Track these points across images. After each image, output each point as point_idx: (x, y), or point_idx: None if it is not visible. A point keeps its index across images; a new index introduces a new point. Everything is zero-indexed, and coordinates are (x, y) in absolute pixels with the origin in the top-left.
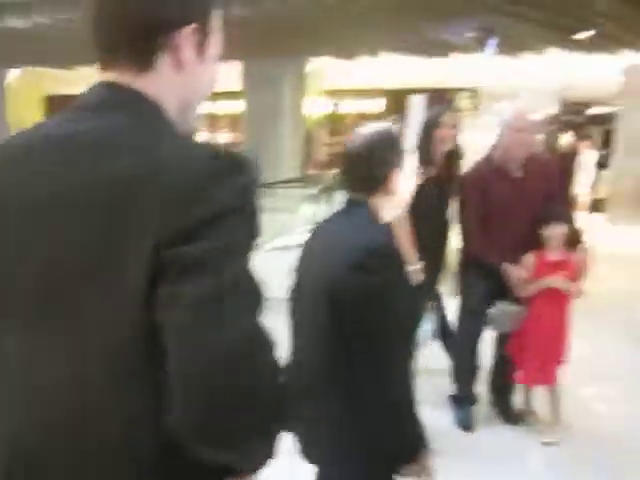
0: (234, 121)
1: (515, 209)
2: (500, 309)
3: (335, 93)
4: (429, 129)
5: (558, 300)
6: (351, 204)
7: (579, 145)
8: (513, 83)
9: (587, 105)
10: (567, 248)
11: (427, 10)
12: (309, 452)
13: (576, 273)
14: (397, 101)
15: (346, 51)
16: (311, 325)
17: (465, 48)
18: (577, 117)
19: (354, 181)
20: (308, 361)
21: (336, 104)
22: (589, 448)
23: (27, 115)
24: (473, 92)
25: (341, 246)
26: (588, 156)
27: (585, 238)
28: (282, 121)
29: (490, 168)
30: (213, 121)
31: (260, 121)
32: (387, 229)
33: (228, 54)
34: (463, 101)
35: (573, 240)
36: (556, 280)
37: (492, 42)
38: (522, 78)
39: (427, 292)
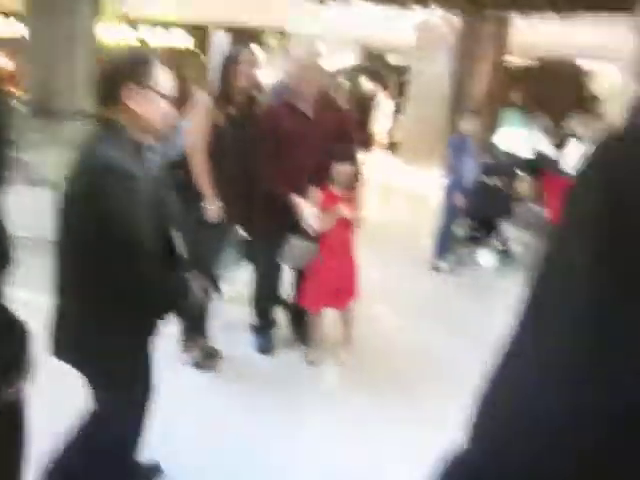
0: (15, 46)
1: (303, 144)
2: (292, 244)
3: (138, 22)
4: (228, 66)
5: (345, 231)
6: (103, 125)
7: (377, 91)
8: (319, 28)
9: (384, 56)
10: (350, 184)
11: None
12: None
13: (356, 205)
14: (204, 37)
15: None
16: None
17: None
18: (376, 66)
19: (99, 100)
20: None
21: (140, 36)
22: (381, 362)
23: None
24: (282, 34)
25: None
26: (385, 103)
27: (363, 174)
28: (74, 48)
29: (280, 103)
30: None
31: (49, 48)
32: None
33: None
34: (271, 41)
35: (355, 177)
36: (344, 210)
37: None
38: (327, 24)
39: (228, 227)
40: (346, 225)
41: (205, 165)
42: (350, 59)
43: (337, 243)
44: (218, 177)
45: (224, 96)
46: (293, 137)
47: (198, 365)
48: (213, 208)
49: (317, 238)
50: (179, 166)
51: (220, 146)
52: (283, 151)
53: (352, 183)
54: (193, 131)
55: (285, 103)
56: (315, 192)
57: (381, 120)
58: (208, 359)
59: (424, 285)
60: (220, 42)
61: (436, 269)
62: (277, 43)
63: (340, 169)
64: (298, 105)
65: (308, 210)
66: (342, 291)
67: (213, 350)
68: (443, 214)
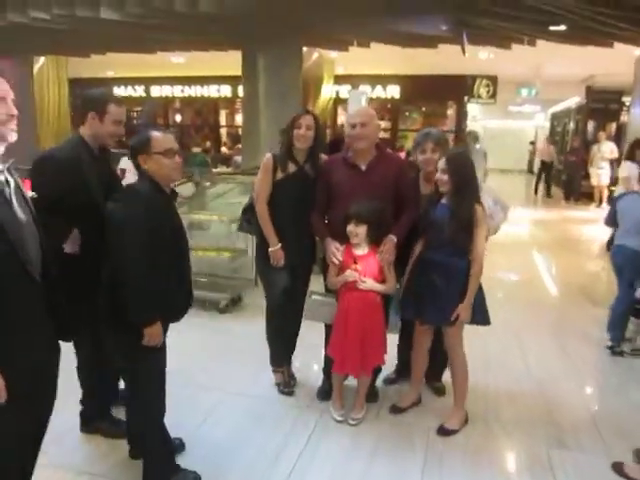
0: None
1: (353, 196)
2: (313, 300)
3: (354, 79)
4: (289, 129)
5: (362, 295)
6: None
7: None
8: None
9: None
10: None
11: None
12: None
13: (374, 269)
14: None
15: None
16: None
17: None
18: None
19: None
20: None
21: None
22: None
23: (52, 97)
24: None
25: None
26: (606, 146)
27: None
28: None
29: (340, 158)
30: None
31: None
32: None
33: None
34: (481, 89)
35: (378, 239)
36: (351, 274)
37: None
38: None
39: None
40: (364, 291)
41: (263, 213)
42: (573, 99)
43: (360, 304)
44: (279, 225)
45: (284, 155)
46: (343, 189)
47: (279, 388)
48: (274, 251)
49: (336, 295)
50: (250, 211)
51: (280, 198)
52: (333, 201)
53: (372, 244)
54: (256, 185)
55: (341, 157)
56: (339, 248)
57: (602, 167)
58: (288, 385)
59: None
60: (356, 98)
61: (617, 352)
62: (486, 91)
63: (350, 229)
64: (351, 158)
65: (333, 246)
66: (366, 359)
67: (293, 377)
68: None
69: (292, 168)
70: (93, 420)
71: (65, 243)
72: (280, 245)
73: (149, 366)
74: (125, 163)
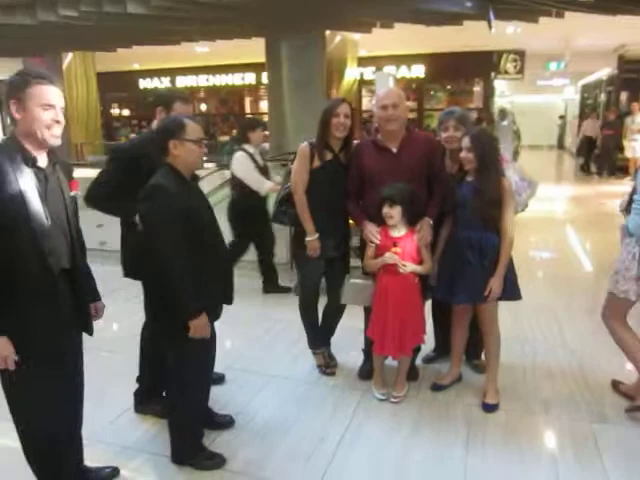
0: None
1: (385, 179)
2: (351, 283)
3: (379, 59)
4: (326, 118)
5: (401, 277)
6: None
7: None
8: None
9: None
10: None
11: None
12: None
13: (412, 251)
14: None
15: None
16: None
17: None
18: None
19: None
20: None
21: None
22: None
23: (81, 92)
24: (518, 54)
25: None
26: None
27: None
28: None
29: (370, 141)
30: None
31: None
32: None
33: None
34: (508, 65)
35: (413, 219)
36: (390, 256)
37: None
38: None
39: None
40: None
41: (302, 202)
42: (604, 70)
43: (399, 286)
44: (315, 214)
45: (321, 143)
46: (374, 172)
47: (320, 369)
48: (311, 241)
49: (374, 277)
50: (286, 201)
51: (317, 186)
52: (367, 186)
53: (409, 225)
54: (293, 174)
55: (371, 140)
56: (375, 230)
57: (636, 139)
58: (329, 366)
59: None
60: (382, 80)
61: None
62: (513, 66)
63: (385, 211)
64: (381, 141)
65: (371, 227)
66: (405, 339)
67: (333, 358)
68: None
69: (328, 156)
70: (149, 400)
71: None
72: (317, 235)
73: (196, 359)
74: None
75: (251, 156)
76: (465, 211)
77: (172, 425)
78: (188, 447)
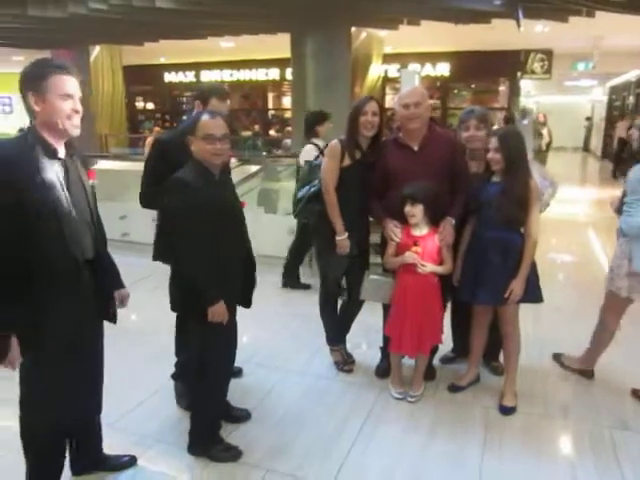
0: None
1: (408, 177)
2: (371, 280)
3: (404, 57)
4: (355, 116)
5: (421, 277)
6: None
7: None
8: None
9: None
10: (434, 223)
11: None
12: None
13: (433, 251)
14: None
15: None
16: None
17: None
18: None
19: None
20: None
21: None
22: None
23: (107, 85)
24: (546, 54)
25: None
26: None
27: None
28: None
29: (392, 140)
30: None
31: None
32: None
33: None
34: (535, 64)
35: (434, 219)
36: (410, 256)
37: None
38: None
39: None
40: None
41: (334, 201)
42: (634, 72)
43: (419, 286)
44: (345, 212)
45: (351, 142)
46: (395, 170)
47: (338, 366)
48: (341, 240)
49: (394, 274)
50: (315, 199)
51: (346, 185)
52: (389, 184)
53: (431, 224)
54: (324, 172)
55: (392, 138)
56: (397, 225)
57: None
58: (347, 363)
59: None
60: (408, 77)
61: None
62: (540, 66)
63: (407, 210)
64: (402, 139)
65: (392, 224)
66: (423, 338)
67: (350, 355)
68: None
69: (358, 155)
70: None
71: None
72: (347, 234)
73: (217, 345)
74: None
75: (320, 150)
76: (490, 212)
77: (193, 415)
78: (205, 438)
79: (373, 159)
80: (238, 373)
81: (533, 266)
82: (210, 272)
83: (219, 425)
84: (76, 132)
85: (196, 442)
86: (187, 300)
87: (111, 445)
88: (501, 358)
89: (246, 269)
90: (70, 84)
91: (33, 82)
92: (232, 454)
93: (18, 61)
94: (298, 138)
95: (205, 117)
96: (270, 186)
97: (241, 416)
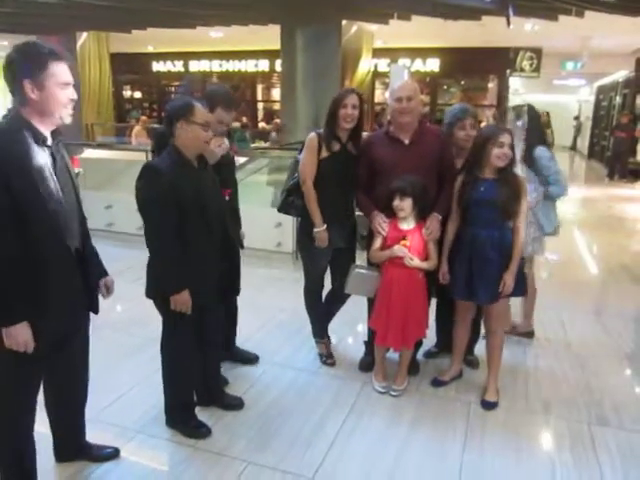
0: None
1: (396, 170)
2: (356, 273)
3: (395, 51)
4: (334, 109)
5: (408, 271)
6: None
7: None
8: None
9: None
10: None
11: None
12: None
13: (419, 246)
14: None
15: None
16: None
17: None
18: None
19: None
20: None
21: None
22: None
23: (94, 72)
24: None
25: None
26: None
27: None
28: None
29: (382, 133)
30: None
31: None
32: None
33: None
34: (524, 63)
35: (422, 212)
36: (399, 249)
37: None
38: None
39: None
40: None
41: (311, 193)
42: (621, 72)
43: (405, 280)
44: (323, 204)
45: (329, 134)
46: (386, 163)
47: (322, 359)
48: (319, 232)
49: (379, 268)
50: (294, 192)
51: (324, 177)
52: (378, 177)
53: (418, 219)
54: (301, 165)
55: (383, 132)
56: (385, 219)
57: None
58: (331, 356)
59: None
60: (397, 72)
61: None
62: (529, 64)
63: (396, 204)
64: (393, 133)
65: (380, 218)
66: (408, 332)
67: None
68: None
69: (336, 147)
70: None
71: None
72: (325, 226)
73: (179, 337)
74: None
75: None
76: (484, 210)
77: (164, 389)
78: (177, 412)
79: (354, 152)
80: (255, 360)
81: (521, 261)
82: (175, 260)
83: (191, 402)
84: (69, 120)
85: (168, 413)
86: (153, 285)
87: (93, 436)
88: (476, 351)
89: (231, 258)
90: (67, 72)
91: (31, 69)
92: (201, 431)
93: (2, 45)
94: (290, 130)
95: (198, 104)
96: (257, 179)
97: (235, 404)
